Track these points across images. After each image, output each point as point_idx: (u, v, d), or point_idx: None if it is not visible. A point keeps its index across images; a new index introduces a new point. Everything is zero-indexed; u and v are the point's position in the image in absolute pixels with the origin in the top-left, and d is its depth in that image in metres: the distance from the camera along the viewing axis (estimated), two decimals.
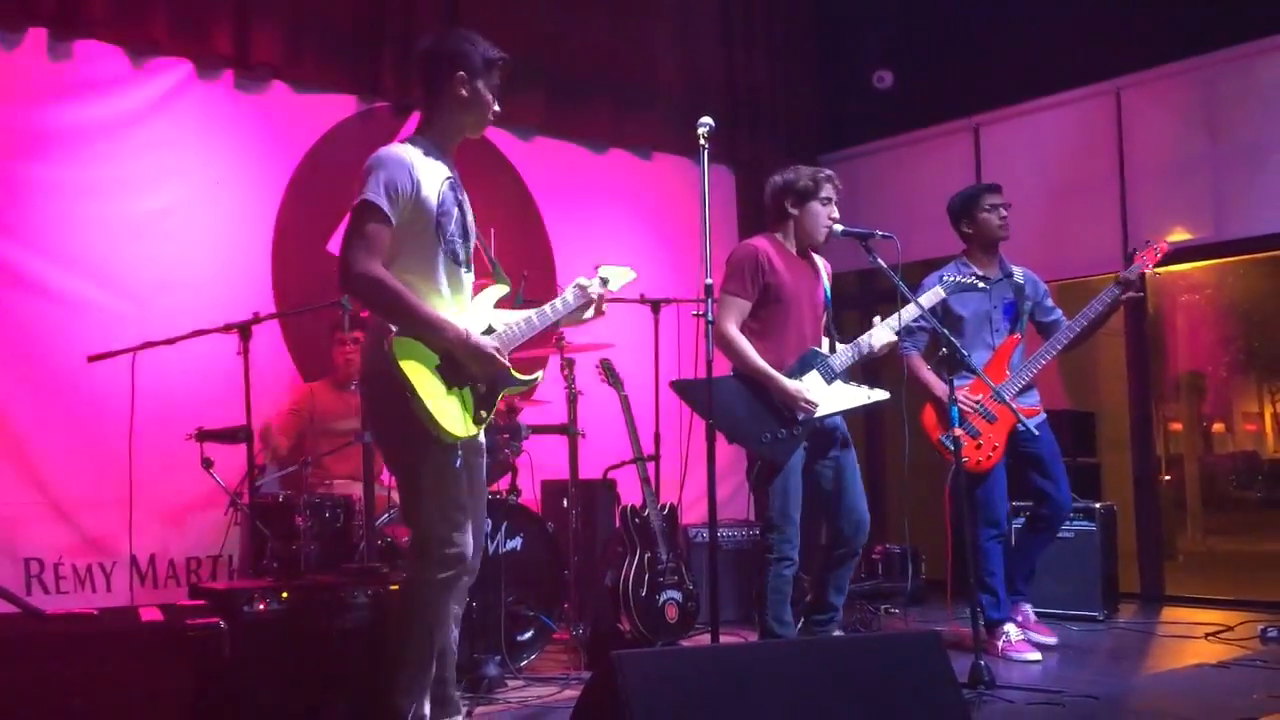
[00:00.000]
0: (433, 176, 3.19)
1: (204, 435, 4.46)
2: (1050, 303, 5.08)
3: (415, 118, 6.00)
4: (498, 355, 3.17)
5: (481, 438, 3.34)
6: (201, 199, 5.31)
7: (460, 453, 3.17)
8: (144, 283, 5.07)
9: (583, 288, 3.51)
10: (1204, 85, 6.22)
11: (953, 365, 4.45)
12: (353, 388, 4.94)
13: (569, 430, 5.05)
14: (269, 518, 4.52)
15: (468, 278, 3.32)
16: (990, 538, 4.80)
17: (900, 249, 4.25)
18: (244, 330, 4.34)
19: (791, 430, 4.17)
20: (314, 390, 5.30)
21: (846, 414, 4.32)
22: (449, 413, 3.08)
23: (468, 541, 3.18)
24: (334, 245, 5.71)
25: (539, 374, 3.48)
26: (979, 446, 4.76)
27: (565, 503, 5.21)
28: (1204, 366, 8.65)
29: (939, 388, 4.73)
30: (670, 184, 6.94)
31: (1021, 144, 6.85)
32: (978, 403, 4.76)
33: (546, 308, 3.43)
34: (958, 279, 4.57)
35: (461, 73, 3.25)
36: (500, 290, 3.41)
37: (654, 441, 5.28)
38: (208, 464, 4.46)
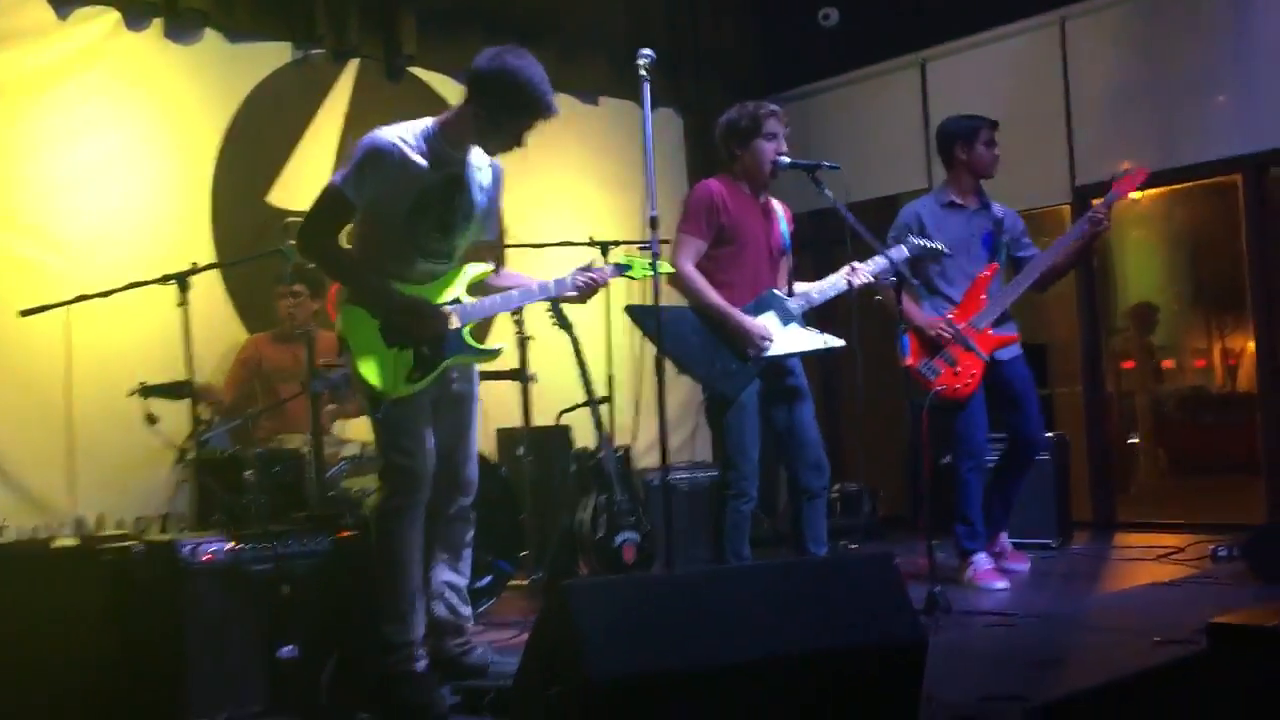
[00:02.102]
0: (422, 168, 3.27)
1: (146, 391, 4.36)
2: (1027, 239, 5.08)
3: (353, 65, 5.92)
4: (425, 311, 3.32)
5: (470, 384, 3.53)
6: (135, 151, 5.17)
7: (419, 397, 3.33)
8: (77, 238, 4.93)
9: (590, 277, 3.53)
10: (1146, 13, 6.21)
11: (912, 291, 4.47)
12: (298, 335, 4.85)
13: (520, 375, 5.02)
14: (216, 473, 4.46)
15: (433, 266, 3.42)
16: (969, 469, 4.81)
17: (849, 184, 4.21)
18: (182, 281, 4.22)
19: (743, 365, 4.14)
20: (258, 342, 5.21)
21: (799, 356, 4.29)
22: (376, 368, 3.27)
23: (417, 468, 3.31)
24: (274, 196, 5.61)
25: (501, 346, 3.68)
26: (956, 374, 4.74)
27: (519, 449, 5.18)
28: (1153, 299, 8.74)
29: (919, 317, 4.72)
30: (617, 128, 6.85)
31: (968, 79, 6.82)
32: (956, 331, 4.72)
33: (534, 285, 3.54)
34: (921, 243, 4.52)
35: (477, 106, 3.29)
36: (479, 270, 3.52)
37: (606, 384, 5.25)
38: (151, 420, 4.37)
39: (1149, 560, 5.15)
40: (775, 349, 4.16)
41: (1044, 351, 6.73)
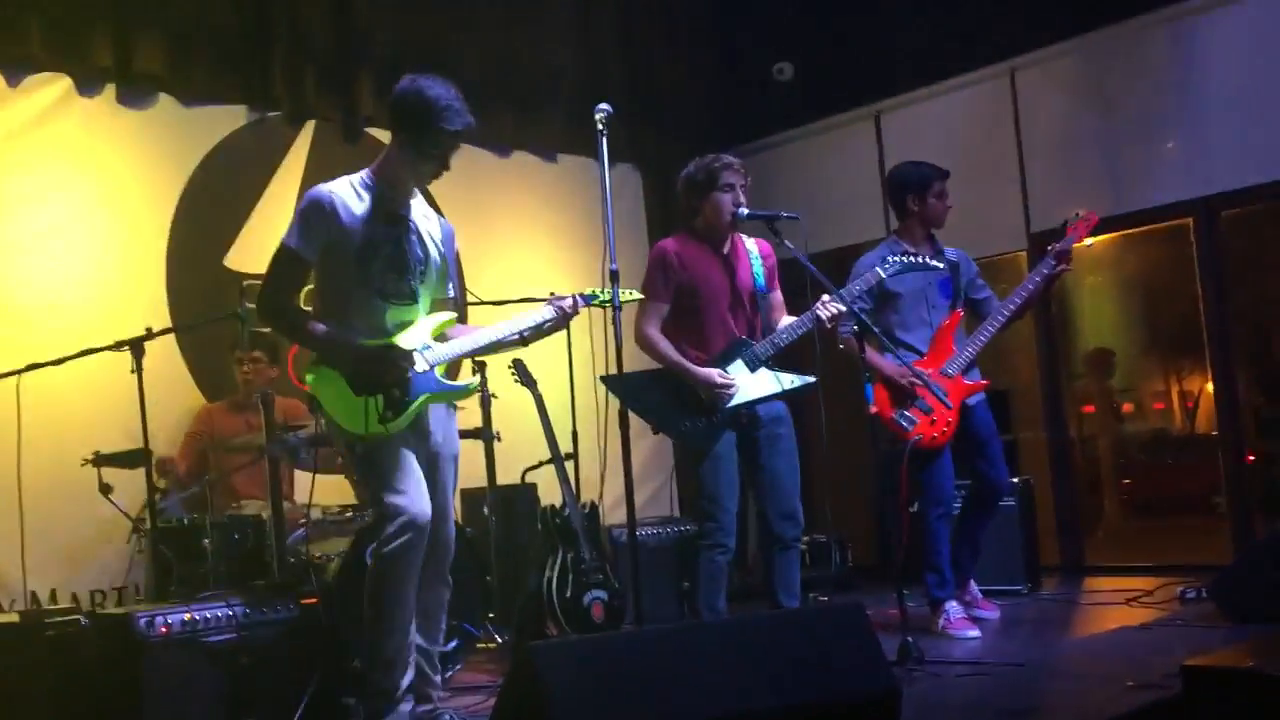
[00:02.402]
0: (362, 214, 3.35)
1: (101, 460, 4.29)
2: (981, 281, 5.11)
3: (309, 125, 5.91)
4: (387, 355, 3.32)
5: (450, 443, 3.56)
6: (87, 217, 5.13)
7: (402, 444, 3.35)
8: (29, 304, 4.88)
9: (559, 306, 3.58)
10: (1093, 61, 6.34)
11: (875, 342, 4.47)
12: (255, 402, 4.79)
13: (484, 434, 4.97)
14: (174, 542, 4.36)
15: (398, 311, 3.43)
16: (936, 516, 4.79)
17: (807, 233, 4.23)
18: (137, 347, 4.15)
19: (710, 418, 4.14)
20: (212, 412, 5.14)
21: (772, 400, 4.27)
22: (349, 413, 3.29)
23: (413, 506, 3.29)
24: (231, 259, 5.56)
25: (474, 380, 3.72)
26: (932, 422, 4.74)
27: (484, 509, 5.12)
28: (1110, 344, 8.82)
29: (888, 367, 4.72)
30: (576, 185, 6.88)
31: (923, 129, 6.91)
32: (924, 378, 4.71)
33: (501, 325, 3.55)
34: (900, 259, 4.49)
35: (401, 134, 3.39)
36: (442, 319, 3.54)
37: (571, 440, 5.21)
38: (106, 490, 4.28)
39: (1118, 604, 5.14)
40: (741, 396, 4.15)
41: (1006, 397, 6.76)
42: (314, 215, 3.32)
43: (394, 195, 3.44)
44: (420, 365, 3.39)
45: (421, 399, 3.38)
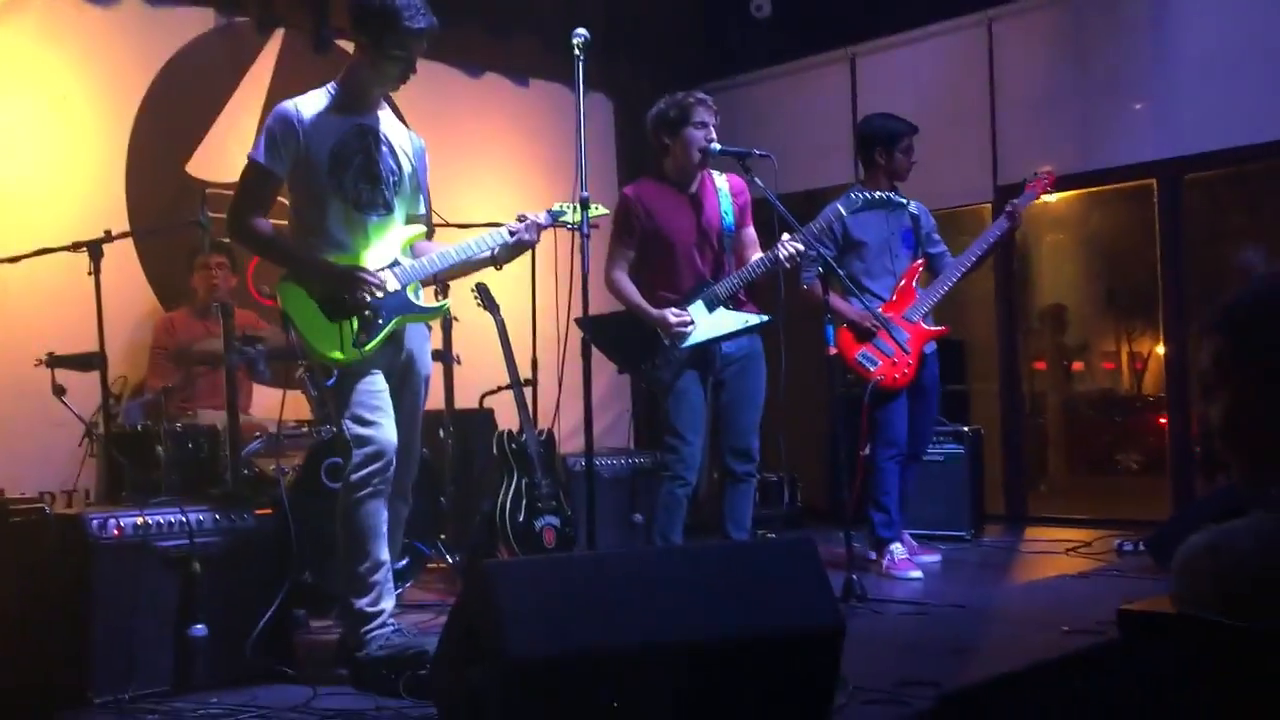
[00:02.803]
0: (330, 124, 3.33)
1: (55, 361, 4.23)
2: (937, 235, 5.19)
3: (279, 35, 5.79)
4: (357, 275, 3.29)
5: (422, 364, 3.54)
6: (47, 114, 5.01)
7: (371, 366, 3.34)
8: None
9: (527, 222, 3.56)
10: (1072, 16, 6.34)
11: (840, 286, 4.54)
12: (214, 310, 4.74)
13: (444, 357, 4.96)
14: (127, 448, 4.33)
15: (375, 221, 3.41)
16: (888, 457, 4.88)
17: (779, 172, 4.22)
18: (94, 249, 4.08)
19: (669, 355, 4.21)
20: (173, 319, 5.08)
21: (728, 338, 4.29)
22: (323, 337, 3.29)
23: (380, 435, 3.30)
24: (193, 166, 5.46)
25: (445, 302, 3.75)
26: (894, 364, 4.82)
27: (441, 432, 5.12)
28: (1067, 301, 8.94)
29: (850, 311, 4.78)
30: (548, 111, 6.80)
31: (897, 75, 6.90)
32: (884, 320, 4.76)
33: (471, 241, 3.52)
34: (865, 195, 4.51)
35: (362, 38, 3.35)
36: (412, 231, 3.52)
37: (531, 367, 5.21)
38: (60, 391, 4.23)
39: (1058, 554, 5.27)
40: (699, 334, 4.20)
41: (962, 348, 6.84)
42: (281, 130, 3.29)
43: (361, 105, 3.41)
44: (392, 284, 3.37)
45: (395, 321, 3.38)
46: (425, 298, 3.54)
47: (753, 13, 7.28)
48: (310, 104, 3.34)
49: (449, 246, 3.53)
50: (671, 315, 4.18)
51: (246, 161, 3.35)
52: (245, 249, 3.40)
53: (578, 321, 4.27)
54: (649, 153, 4.43)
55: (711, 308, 4.24)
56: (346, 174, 3.35)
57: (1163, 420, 6.57)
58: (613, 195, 6.10)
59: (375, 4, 3.29)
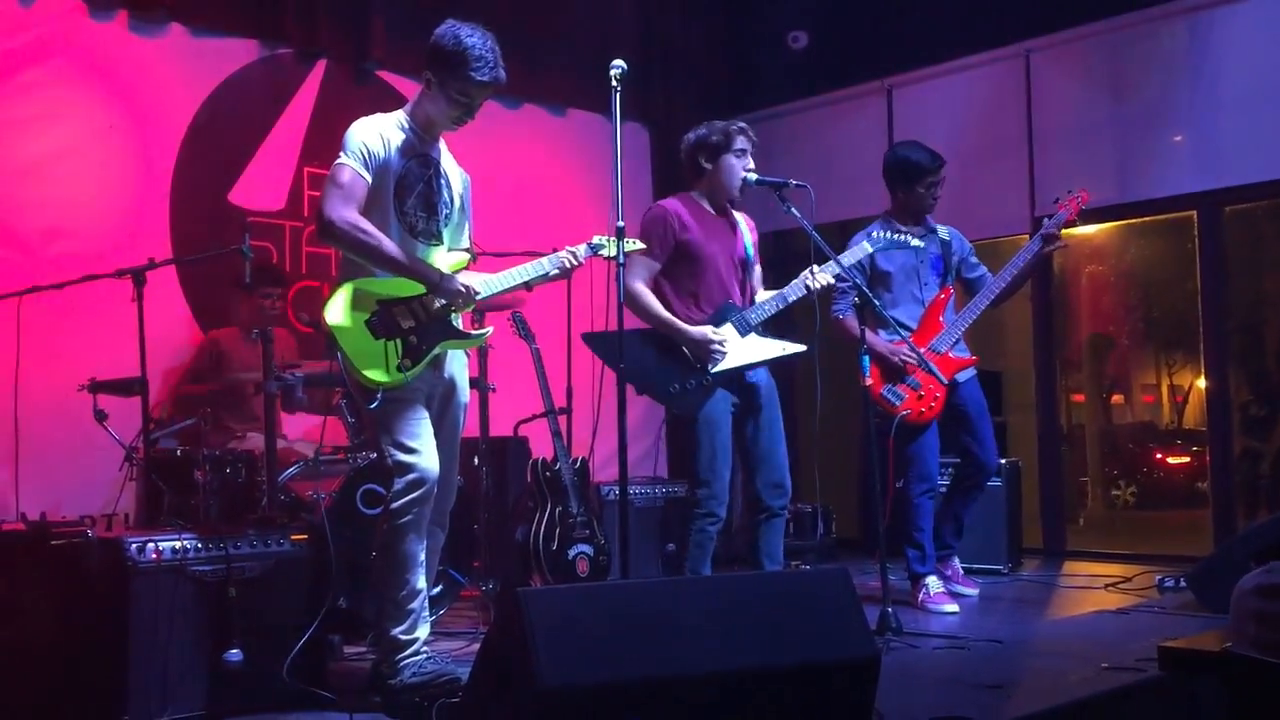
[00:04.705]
0: (401, 149, 3.41)
1: (96, 386, 4.28)
2: (975, 259, 5.14)
3: (320, 65, 5.87)
4: (462, 289, 3.41)
5: (461, 392, 3.59)
6: (94, 144, 5.10)
7: (414, 393, 3.38)
8: (32, 230, 4.86)
9: (573, 254, 3.62)
10: (1110, 48, 6.32)
11: (873, 318, 4.52)
12: (254, 336, 4.80)
13: (480, 385, 4.98)
14: (166, 472, 4.37)
15: (425, 250, 3.48)
16: (921, 493, 4.84)
17: (815, 203, 4.22)
18: (138, 276, 4.13)
19: (700, 380, 4.12)
20: (223, 336, 5.14)
21: (760, 365, 4.27)
22: (368, 360, 3.29)
23: (423, 462, 3.33)
24: (236, 195, 5.54)
25: (487, 330, 3.72)
26: (920, 398, 4.78)
27: (475, 459, 5.14)
28: (1105, 332, 8.86)
29: (880, 344, 4.78)
30: (584, 140, 6.87)
31: (933, 106, 6.90)
32: (918, 355, 4.73)
33: (514, 270, 3.58)
34: (888, 234, 4.50)
35: (430, 74, 3.42)
36: (456, 259, 3.58)
37: (566, 395, 5.22)
38: (101, 416, 4.28)
39: (1097, 589, 5.20)
40: (733, 360, 4.13)
41: (999, 379, 6.79)
42: (371, 141, 3.36)
43: (426, 136, 3.50)
44: (440, 309, 3.42)
45: (439, 346, 3.42)
46: (463, 325, 3.58)
47: (789, 44, 7.32)
48: (389, 126, 3.43)
49: (491, 277, 3.56)
50: (712, 333, 4.12)
51: (335, 165, 3.35)
52: (342, 246, 3.34)
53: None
54: (683, 181, 4.43)
55: (744, 333, 4.20)
56: (408, 200, 3.44)
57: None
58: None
59: (449, 47, 3.36)
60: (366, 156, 3.34)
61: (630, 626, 2.43)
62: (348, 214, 3.30)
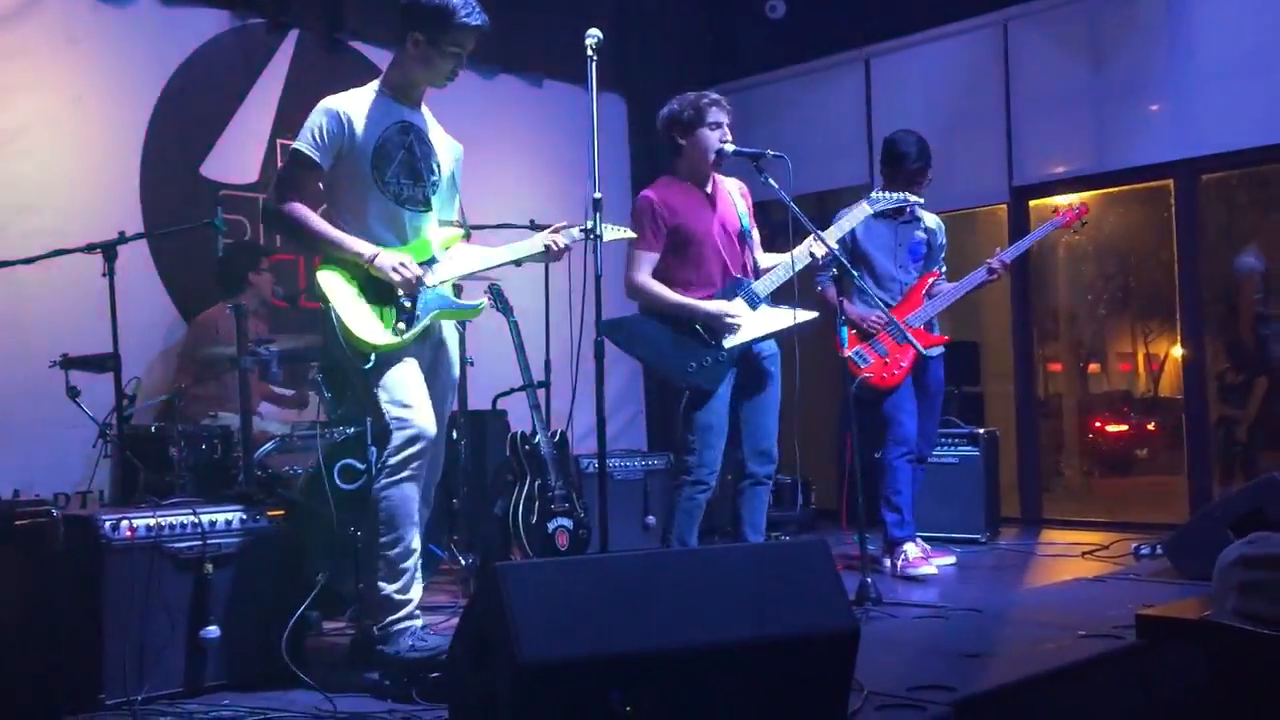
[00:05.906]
0: (374, 120, 3.37)
1: (69, 363, 4.22)
2: (942, 257, 5.19)
3: (293, 36, 5.79)
4: (402, 267, 3.31)
5: (452, 367, 3.59)
6: (61, 115, 5.03)
7: (410, 356, 3.35)
8: None
9: (557, 235, 3.60)
10: (1087, 17, 6.30)
11: (850, 291, 4.59)
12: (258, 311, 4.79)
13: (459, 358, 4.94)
14: (141, 449, 4.33)
15: (415, 217, 3.46)
16: (898, 455, 4.86)
17: (792, 173, 4.19)
18: (109, 250, 4.07)
19: (716, 355, 4.09)
20: (217, 316, 5.08)
21: (774, 336, 4.25)
22: (362, 323, 3.28)
23: (420, 418, 3.30)
24: (208, 168, 5.47)
25: (481, 302, 3.65)
26: (886, 363, 4.84)
27: (454, 433, 5.11)
28: (1083, 303, 8.89)
29: (853, 311, 4.81)
30: (561, 111, 6.80)
31: (912, 76, 6.87)
32: (890, 322, 4.75)
33: (505, 247, 3.58)
34: (886, 196, 4.49)
35: (418, 34, 3.37)
36: (451, 234, 3.55)
37: (544, 369, 5.20)
38: (74, 393, 4.23)
39: (1074, 557, 5.23)
40: (747, 333, 4.11)
41: (976, 350, 6.81)
42: (328, 123, 3.32)
43: (406, 101, 3.47)
44: (430, 280, 3.40)
45: (431, 315, 3.40)
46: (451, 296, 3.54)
47: (767, 14, 7.27)
48: (356, 101, 3.39)
49: (487, 251, 3.57)
50: (726, 306, 4.09)
51: (290, 150, 3.36)
52: (276, 232, 3.37)
53: (599, 326, 4.21)
54: (662, 152, 4.40)
55: (754, 305, 4.17)
56: (389, 169, 3.39)
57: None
58: (626, 195, 6.11)
59: (432, 2, 3.34)
60: (323, 138, 3.31)
61: (610, 600, 2.42)
62: (284, 202, 3.33)
